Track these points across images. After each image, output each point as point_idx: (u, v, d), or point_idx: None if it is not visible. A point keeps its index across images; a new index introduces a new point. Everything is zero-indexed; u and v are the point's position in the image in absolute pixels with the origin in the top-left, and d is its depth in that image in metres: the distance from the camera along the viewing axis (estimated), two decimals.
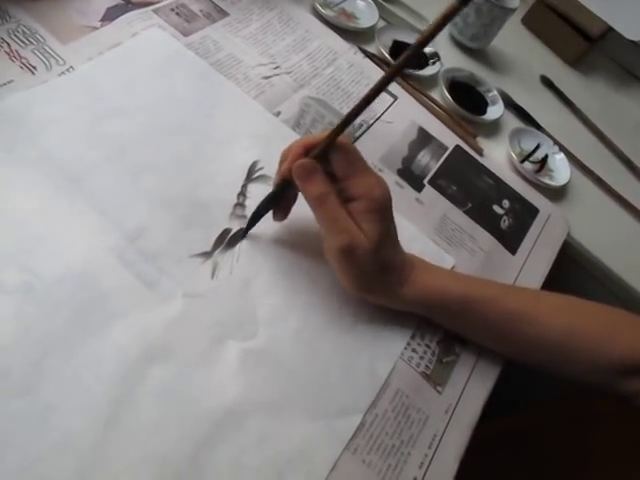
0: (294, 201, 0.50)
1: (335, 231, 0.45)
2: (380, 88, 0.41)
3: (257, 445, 0.43)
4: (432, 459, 0.49)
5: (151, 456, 0.40)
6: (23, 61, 0.55)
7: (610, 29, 0.99)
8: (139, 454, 0.40)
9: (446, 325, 0.55)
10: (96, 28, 0.61)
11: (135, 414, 0.41)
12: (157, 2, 0.67)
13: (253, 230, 0.53)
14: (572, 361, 0.53)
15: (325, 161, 0.45)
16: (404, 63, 0.40)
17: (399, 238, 0.50)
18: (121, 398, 0.41)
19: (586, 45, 1.01)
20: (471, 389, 0.54)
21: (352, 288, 0.49)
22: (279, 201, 0.50)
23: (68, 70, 0.56)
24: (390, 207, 0.47)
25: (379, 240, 0.46)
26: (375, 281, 0.48)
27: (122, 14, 0.64)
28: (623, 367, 0.51)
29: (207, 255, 0.50)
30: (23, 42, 0.56)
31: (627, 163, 0.90)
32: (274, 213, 0.51)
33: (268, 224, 0.53)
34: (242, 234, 0.52)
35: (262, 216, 0.51)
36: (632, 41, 1.01)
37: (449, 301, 0.51)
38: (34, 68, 0.55)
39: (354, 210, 0.45)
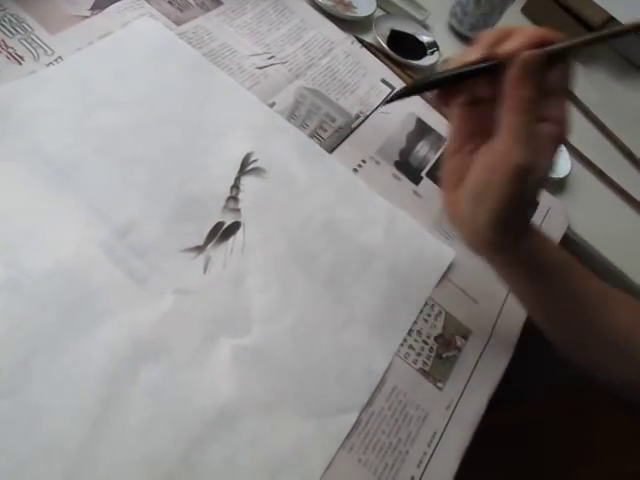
0: (462, 94, 0.42)
1: (522, 145, 0.38)
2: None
3: (250, 445, 0.43)
4: (431, 457, 0.48)
5: (142, 457, 0.40)
6: (10, 51, 0.53)
7: (611, 19, 0.98)
8: (129, 455, 0.39)
9: (531, 293, 0.51)
10: (86, 17, 0.60)
11: (125, 414, 0.40)
12: None
13: (250, 224, 0.51)
14: (634, 358, 0.49)
15: (547, 65, 0.38)
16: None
17: (397, 230, 0.48)
18: (111, 397, 0.41)
19: None
20: (474, 385, 0.54)
21: (497, 219, 0.41)
22: (458, 82, 0.40)
23: (57, 60, 0.55)
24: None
25: (548, 172, 0.40)
26: (523, 218, 0.44)
27: (113, 3, 0.62)
28: None
29: (199, 249, 0.49)
30: (10, 31, 0.55)
31: (628, 155, 0.89)
32: (441, 93, 0.42)
33: (265, 218, 0.52)
34: (385, 102, 0.44)
35: (426, 91, 0.43)
36: None
37: (558, 261, 0.48)
38: (21, 58, 0.54)
39: (546, 132, 0.39)
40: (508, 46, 0.37)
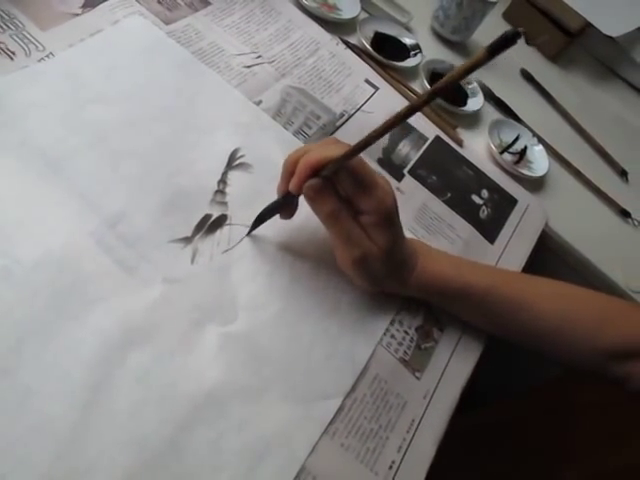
0: (297, 204, 0.51)
1: (348, 245, 0.47)
2: (400, 119, 0.37)
3: (237, 429, 0.44)
4: (410, 443, 0.50)
5: (130, 439, 0.41)
6: (1, 46, 0.54)
7: (589, 25, 1.01)
8: (118, 437, 0.40)
9: (447, 310, 0.57)
10: (77, 14, 0.61)
11: (114, 398, 0.42)
12: None
13: (236, 216, 0.53)
14: (566, 346, 0.54)
15: (334, 177, 0.45)
16: (429, 98, 0.35)
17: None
18: (100, 382, 0.42)
19: (565, 40, 1.02)
20: (449, 375, 0.55)
21: (366, 287, 0.52)
22: (284, 208, 0.51)
23: (48, 56, 0.56)
24: (397, 211, 0.48)
25: (390, 247, 0.48)
26: (388, 279, 0.51)
27: (103, 1, 0.63)
28: (614, 352, 0.53)
29: (187, 240, 0.50)
30: (1, 27, 0.56)
31: (604, 156, 0.91)
32: (280, 215, 0.52)
33: (252, 211, 0.53)
34: (247, 234, 0.53)
35: (265, 221, 0.52)
36: (610, 37, 1.02)
37: (450, 289, 0.53)
38: (13, 54, 0.55)
39: (365, 223, 0.46)
40: (293, 182, 0.45)
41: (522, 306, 0.54)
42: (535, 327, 0.54)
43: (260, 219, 0.52)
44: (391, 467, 0.48)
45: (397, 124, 0.38)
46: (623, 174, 0.90)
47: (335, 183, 0.45)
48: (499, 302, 0.54)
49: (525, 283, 0.57)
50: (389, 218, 0.47)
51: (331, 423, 0.47)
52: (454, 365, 0.56)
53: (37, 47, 0.56)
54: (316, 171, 0.44)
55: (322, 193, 0.44)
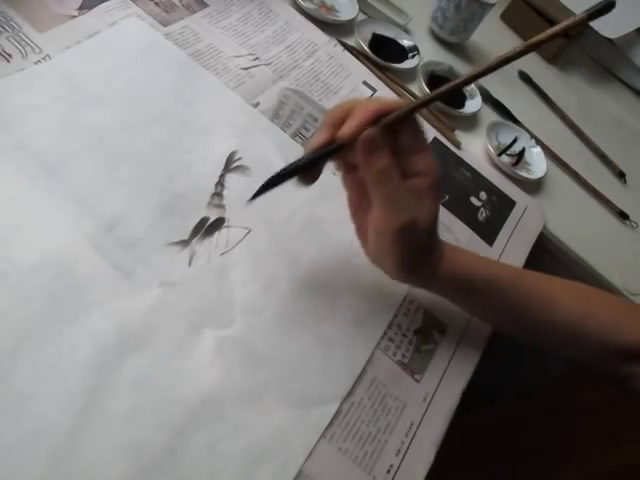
0: (324, 165, 0.44)
1: (397, 209, 0.42)
2: (490, 69, 0.38)
3: (233, 433, 0.44)
4: (409, 447, 0.50)
5: (127, 444, 0.41)
6: None
7: (587, 26, 1.00)
8: (115, 442, 0.40)
9: (469, 306, 0.55)
10: (74, 17, 0.61)
11: (111, 402, 0.41)
12: None
13: (234, 219, 0.53)
14: (582, 344, 0.53)
15: (391, 132, 0.41)
16: (528, 49, 0.36)
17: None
18: (97, 386, 0.42)
19: (563, 42, 1.02)
20: (449, 378, 0.55)
21: (399, 269, 0.46)
22: (308, 169, 0.43)
23: (44, 59, 0.56)
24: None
25: (436, 218, 0.45)
26: (424, 260, 0.47)
27: (100, 3, 0.63)
28: (628, 352, 0.52)
29: (184, 243, 0.50)
30: None
31: (602, 157, 0.91)
32: (304, 178, 0.44)
33: (250, 213, 0.53)
34: (250, 198, 0.44)
35: (289, 179, 0.43)
36: (608, 38, 1.02)
37: (478, 279, 0.50)
38: (9, 56, 0.54)
39: (416, 186, 0.42)
40: (346, 129, 0.40)
41: (543, 299, 0.52)
42: (554, 323, 0.52)
43: (282, 177, 0.43)
44: (389, 471, 0.47)
45: (484, 74, 0.38)
46: (621, 176, 0.90)
47: (391, 137, 0.41)
48: (523, 295, 0.51)
49: (543, 278, 0.55)
50: (438, 183, 0.43)
51: (329, 427, 0.47)
52: (454, 367, 0.56)
53: (34, 49, 0.56)
54: (375, 120, 0.40)
55: (379, 146, 0.40)
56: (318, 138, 0.42)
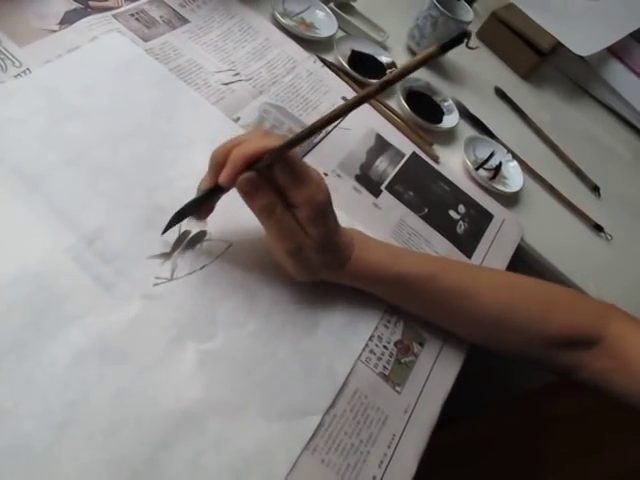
0: (217, 201, 0.49)
1: (282, 238, 0.46)
2: (337, 115, 0.39)
3: (216, 446, 0.43)
4: (392, 458, 0.50)
5: (107, 458, 0.40)
6: None
7: (560, 44, 1.03)
8: (95, 457, 0.40)
9: (390, 301, 0.57)
10: (54, 31, 0.61)
11: (91, 417, 0.41)
12: (117, 7, 0.67)
13: (215, 232, 0.53)
14: (509, 336, 0.55)
15: (267, 170, 0.44)
16: (367, 95, 0.37)
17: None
18: (76, 401, 0.41)
19: (537, 59, 1.05)
20: (430, 389, 0.56)
21: (302, 277, 0.51)
22: (205, 203, 0.49)
23: (25, 72, 0.56)
24: (330, 204, 0.48)
25: (324, 240, 0.47)
26: (323, 268, 0.51)
27: (81, 18, 0.63)
28: (560, 341, 0.54)
29: (166, 256, 0.50)
30: None
31: (576, 171, 0.94)
32: (197, 214, 0.50)
33: (231, 227, 0.53)
34: (161, 233, 0.50)
35: (185, 218, 0.49)
36: (580, 56, 1.05)
37: (385, 280, 0.53)
38: None
39: (299, 216, 0.46)
40: (224, 174, 0.43)
41: (463, 295, 0.54)
42: (477, 317, 0.55)
43: (180, 216, 0.49)
44: None
45: (344, 114, 0.38)
46: (595, 189, 0.92)
47: (268, 176, 0.44)
48: (440, 291, 0.54)
49: (468, 272, 0.58)
50: (322, 212, 0.46)
51: (311, 439, 0.47)
52: (435, 379, 0.56)
53: (14, 63, 0.56)
54: (251, 163, 0.43)
55: (257, 187, 0.44)
56: (205, 181, 0.47)
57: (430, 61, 0.34)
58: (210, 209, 0.49)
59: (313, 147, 0.67)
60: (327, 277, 0.53)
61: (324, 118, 0.39)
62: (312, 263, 0.49)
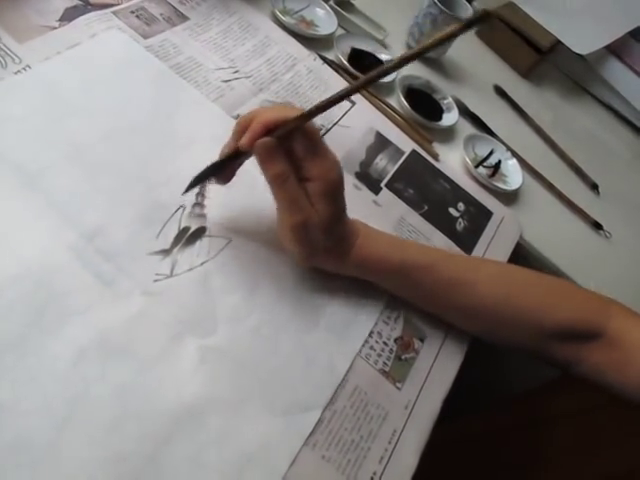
0: (238, 167, 0.51)
1: (291, 210, 0.47)
2: (358, 88, 0.42)
3: (216, 442, 0.44)
4: (392, 454, 0.50)
5: (108, 455, 0.40)
6: None
7: (559, 42, 1.03)
8: (96, 453, 0.40)
9: (390, 290, 0.57)
10: (54, 28, 0.61)
11: (92, 413, 0.41)
12: (117, 4, 0.67)
13: (215, 229, 0.53)
14: (508, 328, 0.55)
15: (286, 139, 0.45)
16: (402, 62, 0.40)
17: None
18: (77, 397, 0.41)
19: (537, 57, 1.05)
20: (430, 385, 0.56)
21: (301, 258, 0.51)
22: (226, 168, 0.50)
23: (24, 69, 0.56)
24: (342, 186, 0.48)
25: (331, 220, 0.48)
26: (324, 252, 0.51)
27: (81, 15, 0.63)
28: (559, 333, 0.54)
29: (166, 252, 0.50)
30: None
31: (576, 169, 0.94)
32: (218, 178, 0.51)
33: (230, 223, 0.53)
34: (182, 193, 0.51)
35: (203, 182, 0.51)
36: (579, 54, 1.05)
37: (387, 268, 0.53)
38: None
39: (310, 190, 0.46)
40: (244, 139, 0.44)
41: (462, 285, 0.54)
42: (475, 307, 0.55)
43: (199, 179, 0.50)
44: (372, 478, 0.48)
45: (362, 88, 0.40)
46: (594, 187, 0.92)
47: (287, 146, 0.45)
48: (438, 281, 0.54)
49: (468, 263, 0.58)
50: (334, 189, 0.47)
51: (311, 435, 0.47)
52: (435, 375, 0.56)
53: (14, 59, 0.56)
54: (270, 130, 0.44)
55: (273, 153, 0.44)
56: (227, 145, 0.48)
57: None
58: (231, 174, 0.50)
59: None
60: (329, 265, 0.53)
61: (345, 90, 0.40)
62: (314, 243, 0.49)
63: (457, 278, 0.54)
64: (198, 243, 0.52)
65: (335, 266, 0.53)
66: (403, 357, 0.56)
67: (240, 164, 0.50)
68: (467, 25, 0.34)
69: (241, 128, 0.46)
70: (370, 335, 0.55)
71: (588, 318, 0.54)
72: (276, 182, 0.46)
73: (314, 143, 0.45)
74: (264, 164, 0.45)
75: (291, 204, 0.46)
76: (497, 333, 0.57)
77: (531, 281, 0.57)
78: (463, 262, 0.58)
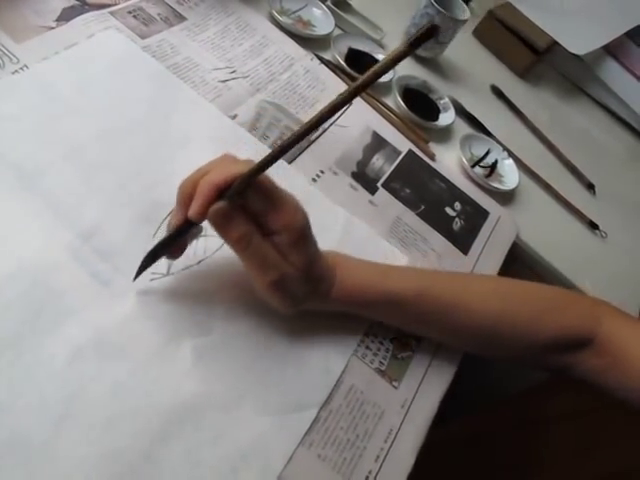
0: (192, 240, 0.47)
1: (263, 269, 0.43)
2: (309, 129, 0.36)
3: (212, 441, 0.44)
4: (388, 453, 0.50)
5: (104, 453, 0.40)
6: None
7: (556, 43, 1.04)
8: (92, 451, 0.40)
9: (383, 321, 0.56)
10: (52, 28, 0.61)
11: (88, 412, 0.41)
12: (114, 4, 0.67)
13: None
14: (504, 343, 0.55)
15: (239, 197, 0.40)
16: (340, 102, 0.35)
17: (352, 236, 0.50)
18: (73, 396, 0.41)
19: (533, 57, 1.05)
20: (427, 385, 0.56)
21: (287, 309, 0.47)
22: (176, 243, 0.46)
23: (22, 69, 0.56)
24: (310, 227, 0.44)
25: (307, 267, 0.45)
26: (308, 297, 0.48)
27: (78, 15, 0.63)
28: (552, 345, 0.54)
29: None
30: None
31: (572, 169, 0.94)
32: (170, 254, 0.47)
33: None
34: (133, 279, 0.47)
35: (158, 259, 0.46)
36: (576, 55, 1.06)
37: (373, 299, 0.51)
38: None
39: (278, 243, 0.43)
40: (194, 208, 0.40)
41: (455, 308, 0.53)
42: (470, 327, 0.54)
43: (148, 260, 0.46)
44: (368, 477, 0.48)
45: (315, 128, 0.35)
46: (590, 187, 0.92)
47: (240, 203, 0.41)
48: (431, 305, 0.52)
49: (458, 283, 0.56)
50: (303, 235, 0.43)
51: (307, 434, 0.47)
52: (433, 374, 0.57)
53: (11, 59, 0.56)
54: (221, 192, 0.39)
55: (230, 217, 0.40)
56: (174, 218, 0.43)
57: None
58: (184, 246, 0.46)
59: (310, 144, 0.68)
60: (313, 306, 0.50)
61: (291, 137, 0.36)
62: (296, 293, 0.46)
63: (447, 301, 0.53)
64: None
65: (320, 305, 0.50)
66: (400, 356, 0.56)
67: (193, 236, 0.46)
68: (413, 43, 0.31)
69: (186, 195, 0.42)
70: (366, 334, 0.55)
71: (580, 325, 0.54)
72: (240, 246, 0.42)
73: (270, 195, 0.41)
74: (222, 231, 0.41)
75: (261, 264, 0.43)
76: (491, 350, 0.56)
77: (521, 296, 0.56)
78: (451, 283, 0.55)
